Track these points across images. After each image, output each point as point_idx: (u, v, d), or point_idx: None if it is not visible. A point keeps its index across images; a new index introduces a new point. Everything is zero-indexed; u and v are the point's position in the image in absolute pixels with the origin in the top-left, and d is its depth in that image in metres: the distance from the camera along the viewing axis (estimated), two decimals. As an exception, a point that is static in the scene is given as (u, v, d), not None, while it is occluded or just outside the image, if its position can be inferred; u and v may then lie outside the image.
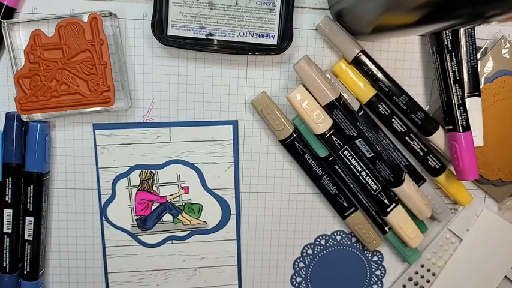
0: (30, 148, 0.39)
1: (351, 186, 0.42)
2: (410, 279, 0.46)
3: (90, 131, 0.41)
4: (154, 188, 0.42)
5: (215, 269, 0.44)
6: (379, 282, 0.47)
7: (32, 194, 0.40)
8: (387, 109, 0.41)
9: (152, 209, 0.43)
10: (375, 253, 0.46)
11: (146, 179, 0.42)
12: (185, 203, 0.43)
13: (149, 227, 0.43)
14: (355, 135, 0.39)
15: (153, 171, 0.42)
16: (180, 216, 0.43)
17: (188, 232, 0.43)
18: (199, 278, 0.44)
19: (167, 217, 0.43)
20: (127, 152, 0.41)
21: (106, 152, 0.41)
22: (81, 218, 0.43)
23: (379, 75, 0.40)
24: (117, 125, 0.41)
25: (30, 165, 0.39)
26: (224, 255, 0.44)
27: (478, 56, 0.42)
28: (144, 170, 0.42)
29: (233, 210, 0.43)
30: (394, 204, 0.41)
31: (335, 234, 0.45)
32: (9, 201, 0.40)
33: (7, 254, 0.40)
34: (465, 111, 0.39)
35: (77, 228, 0.43)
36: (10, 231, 0.40)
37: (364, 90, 0.40)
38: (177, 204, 0.43)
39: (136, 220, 0.43)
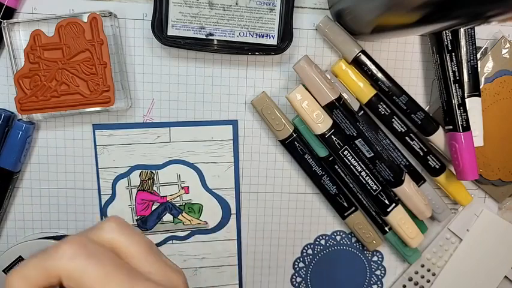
0: (8, 144, 0.39)
1: (351, 186, 0.42)
2: (410, 279, 0.46)
3: (90, 131, 0.41)
4: (155, 188, 0.42)
5: (215, 269, 0.44)
6: (379, 282, 0.47)
7: None
8: (387, 109, 0.41)
9: (152, 209, 0.43)
10: (375, 253, 0.46)
11: (146, 179, 0.42)
12: (185, 203, 0.43)
13: (150, 227, 0.43)
14: (355, 135, 0.39)
15: (153, 171, 0.42)
16: (180, 216, 0.43)
17: (188, 232, 0.43)
18: (199, 278, 0.44)
19: (167, 217, 0.43)
20: (127, 152, 0.41)
21: (106, 152, 0.41)
22: (81, 218, 0.43)
23: (379, 75, 0.40)
24: (117, 125, 0.41)
25: (3, 161, 0.39)
26: (224, 255, 0.44)
27: (478, 56, 0.42)
28: (144, 170, 0.42)
29: (233, 210, 0.43)
30: (394, 204, 0.41)
31: (335, 234, 0.45)
32: None
33: None
34: (465, 111, 0.39)
35: (77, 229, 0.43)
36: None
37: (364, 90, 0.40)
38: (177, 204, 0.43)
39: (137, 220, 0.43)
